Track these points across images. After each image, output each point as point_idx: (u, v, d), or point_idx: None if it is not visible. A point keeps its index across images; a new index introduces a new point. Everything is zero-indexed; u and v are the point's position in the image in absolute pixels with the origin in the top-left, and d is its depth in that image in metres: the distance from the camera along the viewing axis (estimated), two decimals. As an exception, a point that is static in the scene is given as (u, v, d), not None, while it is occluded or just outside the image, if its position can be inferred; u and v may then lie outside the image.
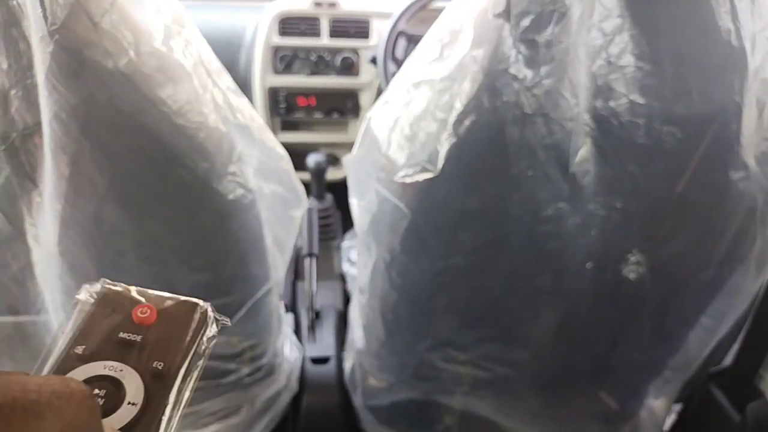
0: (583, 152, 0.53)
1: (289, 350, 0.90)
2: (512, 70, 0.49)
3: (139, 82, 0.47)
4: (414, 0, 1.28)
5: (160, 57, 0.49)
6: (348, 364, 0.90)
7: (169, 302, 0.27)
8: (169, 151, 0.51)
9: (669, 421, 0.84)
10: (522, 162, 0.53)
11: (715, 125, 0.52)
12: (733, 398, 0.75)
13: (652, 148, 0.52)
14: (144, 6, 0.49)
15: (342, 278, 1.24)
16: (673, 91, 0.50)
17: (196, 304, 0.27)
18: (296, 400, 0.91)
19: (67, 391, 0.19)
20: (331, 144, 1.54)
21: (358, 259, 0.77)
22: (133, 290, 0.28)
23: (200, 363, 0.26)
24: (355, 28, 1.44)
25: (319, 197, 1.38)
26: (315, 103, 1.48)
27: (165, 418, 0.24)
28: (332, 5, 1.43)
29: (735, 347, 0.75)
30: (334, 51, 1.44)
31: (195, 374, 0.26)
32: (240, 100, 0.61)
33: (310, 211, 1.02)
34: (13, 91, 0.48)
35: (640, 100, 0.51)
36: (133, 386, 0.24)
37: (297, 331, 1.05)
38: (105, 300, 0.27)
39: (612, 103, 0.51)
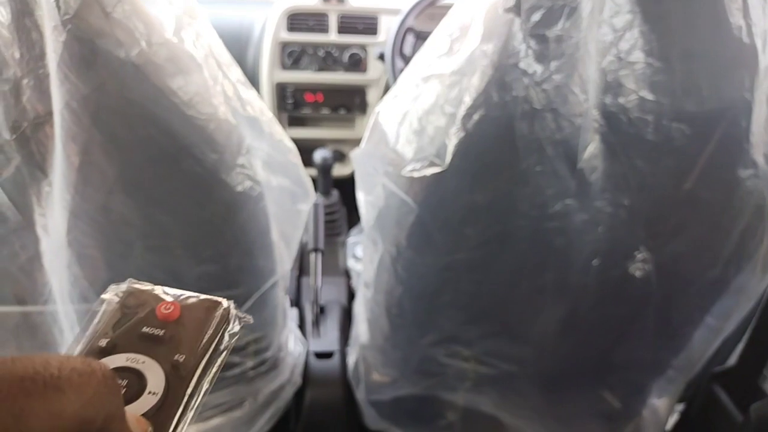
0: (591, 148, 0.53)
1: (293, 344, 0.90)
2: (522, 65, 0.49)
3: (150, 73, 0.47)
4: (422, -3, 1.28)
5: (172, 48, 0.49)
6: (351, 359, 0.90)
7: (192, 299, 0.28)
8: (178, 142, 0.51)
9: (671, 420, 0.84)
10: (530, 157, 0.53)
11: (724, 122, 0.51)
12: (736, 398, 0.75)
13: (660, 145, 0.52)
14: (155, -3, 0.50)
15: (347, 274, 1.25)
16: (682, 88, 0.50)
17: (219, 302, 0.28)
18: (299, 394, 0.91)
19: (88, 369, 0.19)
20: (338, 140, 1.55)
21: (364, 253, 0.77)
22: (158, 289, 0.28)
23: (221, 358, 0.27)
24: (364, 24, 1.44)
25: (325, 193, 1.38)
26: (322, 99, 1.48)
27: (185, 407, 0.24)
28: (341, 1, 1.43)
29: (739, 347, 0.75)
30: (342, 47, 1.44)
31: (215, 368, 0.26)
32: (249, 93, 0.61)
33: (316, 206, 1.02)
34: (25, 81, 0.48)
35: (650, 96, 0.50)
36: (155, 377, 0.25)
37: (301, 325, 1.05)
38: (130, 297, 0.28)
39: (621, 100, 0.51)
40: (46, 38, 0.46)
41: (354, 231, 1.35)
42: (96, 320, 0.27)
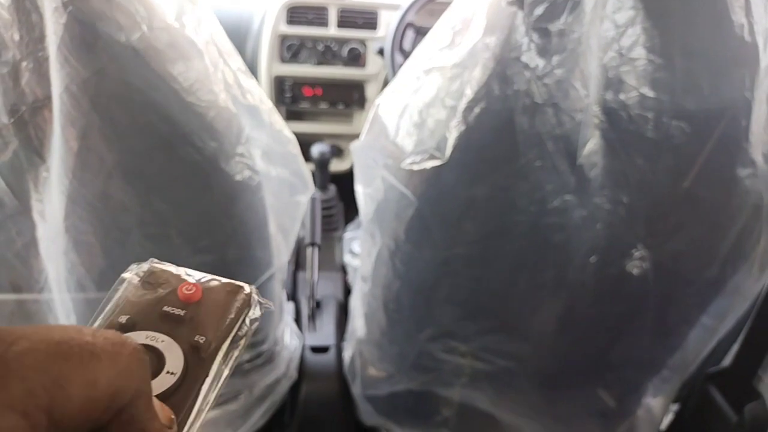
0: (591, 144, 0.53)
1: (289, 338, 0.90)
2: (524, 59, 0.49)
3: (151, 58, 0.47)
4: (423, -8, 1.28)
5: (173, 33, 0.48)
6: (347, 354, 0.90)
7: (214, 282, 0.28)
8: (178, 129, 0.51)
9: (666, 420, 0.84)
10: (530, 152, 0.53)
11: (724, 121, 0.51)
12: (730, 399, 0.75)
13: (660, 142, 0.52)
14: (157, -18, 0.49)
15: (343, 269, 1.24)
16: (683, 86, 0.50)
17: (241, 287, 0.28)
18: (295, 388, 0.91)
19: (119, 340, 0.20)
20: (336, 135, 1.54)
21: (362, 247, 0.77)
22: (181, 269, 0.28)
23: (242, 343, 0.26)
24: (363, 18, 1.44)
25: (323, 188, 1.38)
26: (321, 93, 1.47)
27: (204, 390, 0.24)
28: (341, -5, 1.43)
29: (734, 348, 0.75)
30: (342, 41, 1.44)
31: (236, 353, 0.26)
32: (250, 81, 0.61)
33: (313, 201, 1.01)
34: (24, 63, 0.48)
35: (650, 93, 0.50)
36: (173, 357, 0.24)
37: (297, 320, 1.05)
38: (151, 276, 0.27)
39: (622, 96, 0.51)
40: (46, 20, 0.45)
41: (351, 226, 1.35)
42: (117, 296, 0.27)
